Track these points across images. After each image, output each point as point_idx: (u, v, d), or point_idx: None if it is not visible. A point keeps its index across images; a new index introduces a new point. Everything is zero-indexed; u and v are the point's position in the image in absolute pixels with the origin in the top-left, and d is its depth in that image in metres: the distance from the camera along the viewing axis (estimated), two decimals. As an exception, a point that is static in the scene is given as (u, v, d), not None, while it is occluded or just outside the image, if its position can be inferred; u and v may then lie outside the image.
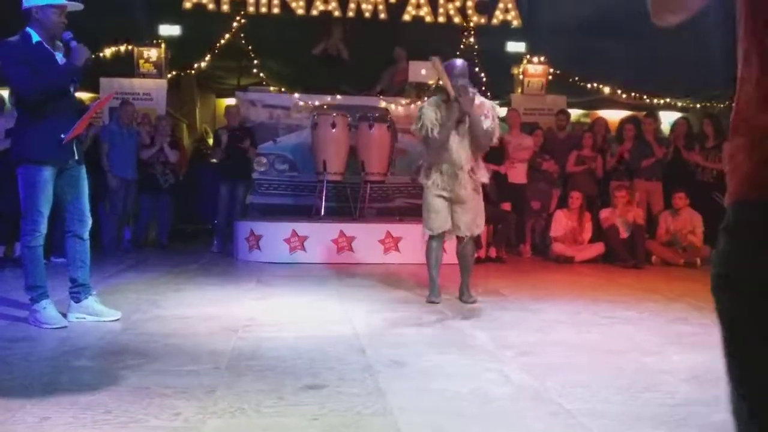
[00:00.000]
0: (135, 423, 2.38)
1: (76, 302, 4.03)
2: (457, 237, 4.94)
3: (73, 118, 3.93)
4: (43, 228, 3.85)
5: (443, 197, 4.83)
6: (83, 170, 4.05)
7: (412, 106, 9.20)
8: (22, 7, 3.82)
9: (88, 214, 4.06)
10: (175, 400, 2.60)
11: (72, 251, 4.05)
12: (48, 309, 3.85)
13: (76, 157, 3.98)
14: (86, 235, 4.06)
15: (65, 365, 3.06)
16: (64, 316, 3.97)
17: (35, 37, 3.79)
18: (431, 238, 4.97)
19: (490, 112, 4.85)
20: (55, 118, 3.81)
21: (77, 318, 3.99)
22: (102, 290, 4.94)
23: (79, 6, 3.90)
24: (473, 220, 4.86)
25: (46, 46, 3.82)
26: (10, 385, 2.75)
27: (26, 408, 2.49)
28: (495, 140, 4.96)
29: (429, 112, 4.79)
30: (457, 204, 4.82)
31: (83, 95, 10.26)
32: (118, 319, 4.01)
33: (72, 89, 3.94)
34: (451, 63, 4.92)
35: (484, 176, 4.94)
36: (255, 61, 9.71)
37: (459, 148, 4.78)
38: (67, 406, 2.51)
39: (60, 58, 3.87)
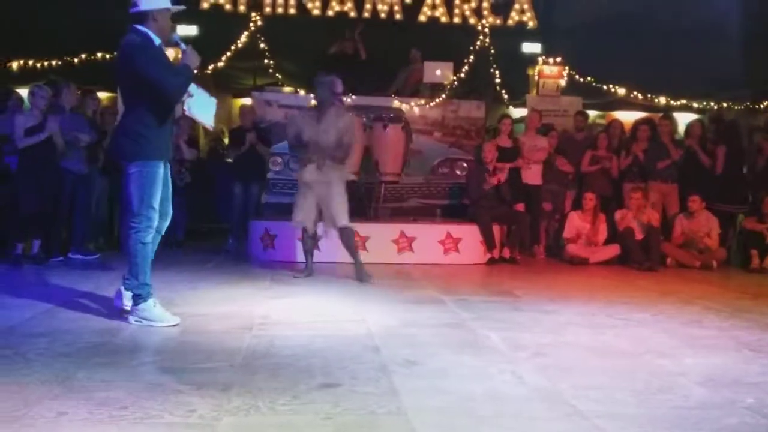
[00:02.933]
0: (150, 419, 2.40)
1: (127, 290, 4.05)
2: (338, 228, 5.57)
3: (172, 119, 4.10)
4: (156, 223, 3.94)
5: (311, 192, 5.53)
6: (169, 169, 4.14)
7: (428, 106, 9.21)
8: (135, 10, 3.87)
9: (170, 211, 4.13)
10: (190, 397, 2.62)
11: None
12: (158, 307, 3.90)
13: (169, 157, 4.12)
14: (162, 230, 4.12)
15: (82, 361, 3.10)
16: (115, 307, 4.07)
17: (156, 40, 3.88)
18: (304, 230, 5.72)
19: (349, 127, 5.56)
20: (164, 118, 3.95)
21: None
22: (117, 287, 4.99)
23: (182, 6, 4.05)
24: (337, 212, 5.50)
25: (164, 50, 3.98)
26: (27, 380, 2.79)
27: (43, 403, 2.52)
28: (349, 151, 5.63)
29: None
30: (323, 199, 5.51)
31: (102, 95, 10.39)
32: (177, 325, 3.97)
33: None
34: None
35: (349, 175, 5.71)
36: (271, 61, 9.75)
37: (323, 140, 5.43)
38: (83, 402, 2.54)
39: None
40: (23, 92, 7.26)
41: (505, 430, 2.41)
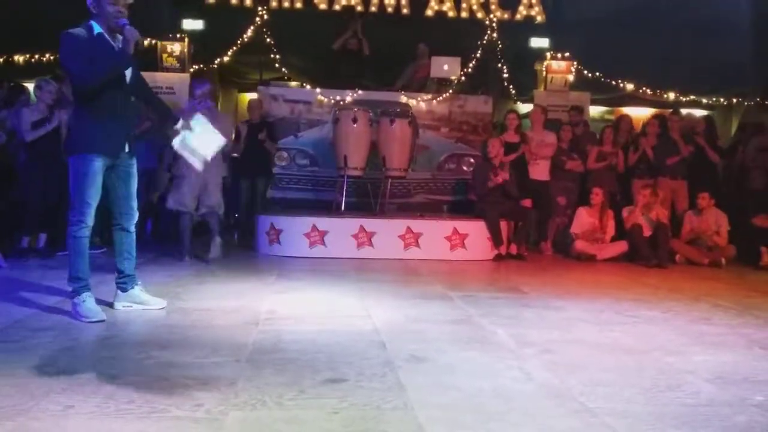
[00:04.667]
0: (158, 413, 2.40)
1: (123, 292, 4.15)
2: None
3: (128, 111, 4.00)
4: (90, 219, 3.88)
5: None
6: (134, 165, 4.09)
7: (434, 101, 9.18)
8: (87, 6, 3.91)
9: (135, 207, 4.14)
10: (197, 392, 2.61)
11: (119, 243, 4.15)
12: (87, 302, 3.86)
13: (127, 150, 4.00)
14: (132, 228, 4.15)
15: (88, 355, 3.10)
16: (111, 305, 4.07)
17: (96, 29, 3.84)
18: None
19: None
20: (109, 110, 3.86)
21: (124, 306, 4.11)
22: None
23: None
24: None
25: (107, 37, 3.87)
26: (34, 373, 2.79)
27: (50, 396, 2.52)
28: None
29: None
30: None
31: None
32: (163, 308, 4.13)
33: (126, 81, 3.94)
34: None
35: None
36: (277, 56, 9.73)
37: None
38: (90, 395, 2.54)
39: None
40: (29, 86, 7.28)
41: (512, 427, 2.39)
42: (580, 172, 8.12)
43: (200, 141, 4.15)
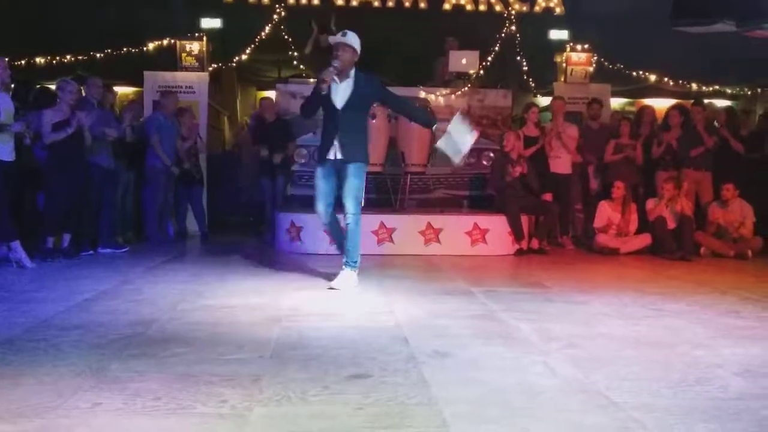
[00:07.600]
0: (183, 410, 2.41)
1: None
2: None
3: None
4: (320, 214, 4.97)
5: None
6: (349, 167, 4.86)
7: (453, 96, 9.13)
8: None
9: (345, 203, 4.88)
10: (222, 388, 2.63)
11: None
12: (349, 276, 4.83)
13: (338, 158, 4.88)
14: (346, 220, 4.90)
15: (115, 353, 3.12)
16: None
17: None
18: None
19: None
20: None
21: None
22: (147, 280, 5.05)
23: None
24: None
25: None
26: (62, 371, 2.82)
27: (78, 394, 2.55)
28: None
29: None
30: None
31: (127, 89, 10.49)
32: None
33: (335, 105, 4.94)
34: None
35: None
36: (295, 53, 9.73)
37: None
38: (117, 393, 2.56)
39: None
40: (51, 87, 7.35)
41: (538, 422, 2.37)
42: (580, 164, 8.04)
43: (460, 138, 4.71)
